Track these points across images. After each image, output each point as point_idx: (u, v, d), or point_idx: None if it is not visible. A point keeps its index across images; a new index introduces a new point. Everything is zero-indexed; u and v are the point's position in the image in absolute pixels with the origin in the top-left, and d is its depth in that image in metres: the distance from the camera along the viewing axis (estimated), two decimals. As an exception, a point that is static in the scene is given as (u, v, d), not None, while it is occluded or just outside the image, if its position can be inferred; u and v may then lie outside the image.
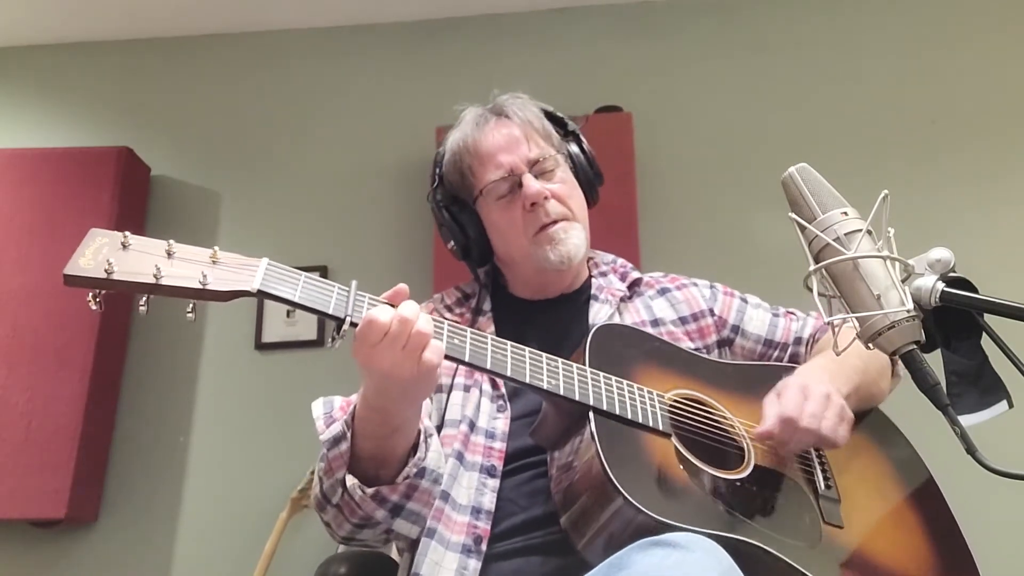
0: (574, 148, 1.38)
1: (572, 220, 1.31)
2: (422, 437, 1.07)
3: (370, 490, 1.04)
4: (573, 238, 1.30)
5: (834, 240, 0.87)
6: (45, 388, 2.57)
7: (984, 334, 0.99)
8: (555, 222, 1.29)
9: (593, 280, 1.40)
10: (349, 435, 1.04)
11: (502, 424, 1.20)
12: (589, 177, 1.38)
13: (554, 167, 1.31)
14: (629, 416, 1.06)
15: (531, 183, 1.27)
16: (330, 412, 1.15)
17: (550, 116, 1.38)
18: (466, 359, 1.01)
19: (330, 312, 0.94)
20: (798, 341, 1.38)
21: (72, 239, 0.90)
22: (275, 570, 2.35)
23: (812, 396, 1.10)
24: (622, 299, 1.36)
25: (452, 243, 1.36)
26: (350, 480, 1.05)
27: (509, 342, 1.06)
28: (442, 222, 1.36)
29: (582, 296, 1.37)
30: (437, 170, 1.37)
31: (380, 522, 1.08)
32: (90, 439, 2.58)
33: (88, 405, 2.57)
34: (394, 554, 1.45)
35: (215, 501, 2.67)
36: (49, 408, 2.55)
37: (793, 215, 0.91)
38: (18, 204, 2.79)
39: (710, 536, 0.88)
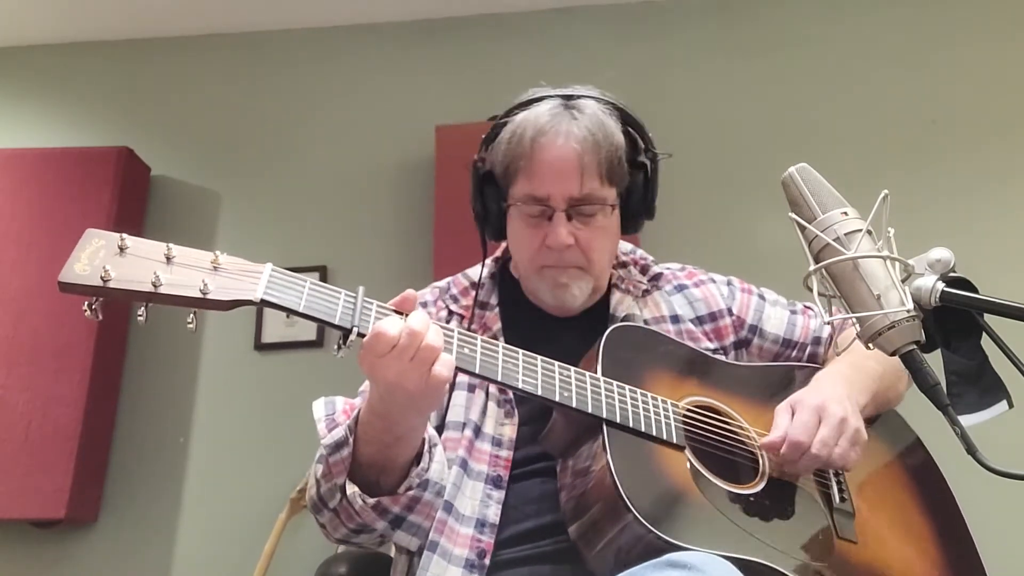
0: (639, 178, 1.24)
1: (585, 271, 1.23)
2: (426, 447, 1.05)
3: (371, 500, 1.02)
4: (575, 289, 1.23)
5: (834, 240, 0.87)
6: (45, 388, 2.57)
7: (984, 334, 0.99)
8: (566, 267, 1.22)
9: (613, 271, 1.35)
10: (351, 441, 1.02)
11: (509, 431, 1.16)
12: (637, 213, 1.27)
13: (595, 212, 1.20)
14: (643, 429, 1.05)
15: (557, 231, 1.18)
16: (332, 415, 1.13)
17: (632, 131, 1.24)
18: (476, 371, 0.99)
19: (336, 323, 0.92)
20: (816, 340, 1.35)
21: (72, 239, 0.87)
22: (275, 570, 2.34)
23: (827, 420, 1.08)
24: (643, 293, 1.33)
25: (475, 214, 1.30)
26: (350, 488, 1.02)
27: (520, 351, 1.04)
28: (472, 191, 1.29)
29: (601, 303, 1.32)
30: (491, 137, 1.26)
31: (379, 532, 1.06)
32: (90, 439, 2.59)
33: (88, 405, 2.57)
34: (394, 553, 1.44)
35: (215, 501, 2.67)
36: (49, 408, 2.55)
37: (793, 215, 0.91)
38: (18, 204, 2.79)
39: (722, 557, 0.87)
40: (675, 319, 1.30)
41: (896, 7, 3.00)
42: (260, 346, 2.79)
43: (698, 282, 1.37)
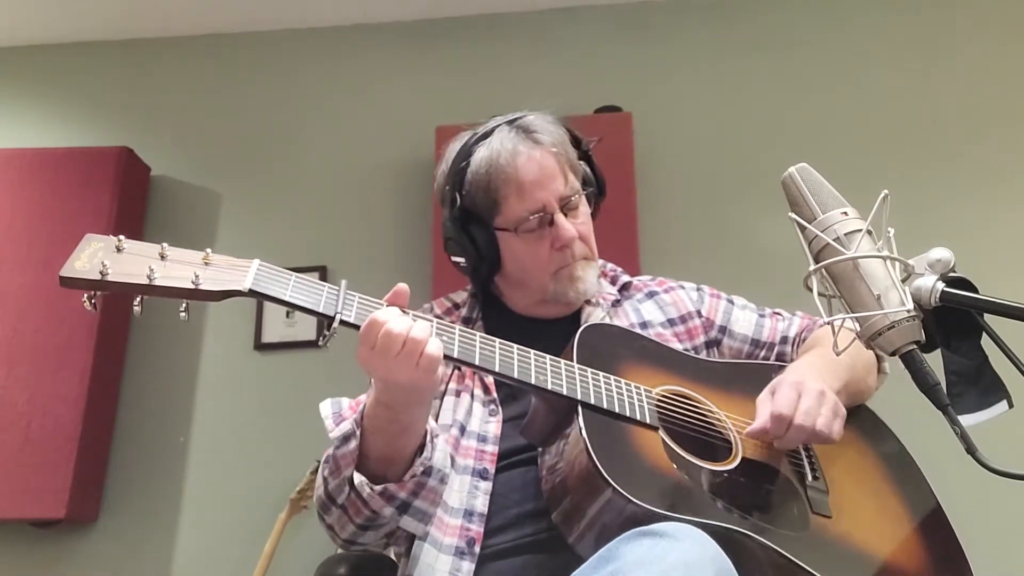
0: (587, 169, 1.36)
1: (590, 259, 1.32)
2: (429, 437, 1.09)
3: (378, 487, 1.06)
4: (590, 276, 1.31)
5: (834, 240, 0.87)
6: (45, 388, 2.57)
7: (984, 334, 0.99)
8: (577, 261, 1.30)
9: None
10: (359, 433, 1.05)
11: (494, 428, 1.21)
12: (597, 198, 1.38)
13: (578, 203, 1.30)
14: (616, 410, 1.07)
15: (566, 225, 1.26)
16: (339, 412, 1.17)
17: (567, 130, 1.35)
18: (455, 355, 1.02)
19: (320, 310, 0.97)
20: (784, 340, 1.40)
21: (72, 239, 0.92)
22: (275, 570, 2.35)
23: (806, 393, 1.11)
24: (613, 303, 1.38)
25: (463, 260, 1.33)
26: (358, 478, 1.06)
27: (498, 340, 1.07)
28: (453, 237, 1.32)
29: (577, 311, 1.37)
30: (457, 184, 1.30)
31: (387, 520, 1.09)
32: (90, 439, 2.59)
33: (88, 405, 2.57)
34: (393, 555, 1.45)
35: (215, 501, 2.67)
36: (49, 408, 2.55)
37: (793, 215, 0.91)
38: (18, 204, 2.79)
39: (699, 525, 0.89)
40: (644, 324, 1.35)
41: (896, 8, 3.00)
42: (260, 346, 2.78)
43: (668, 288, 1.43)
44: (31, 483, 2.48)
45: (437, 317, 1.34)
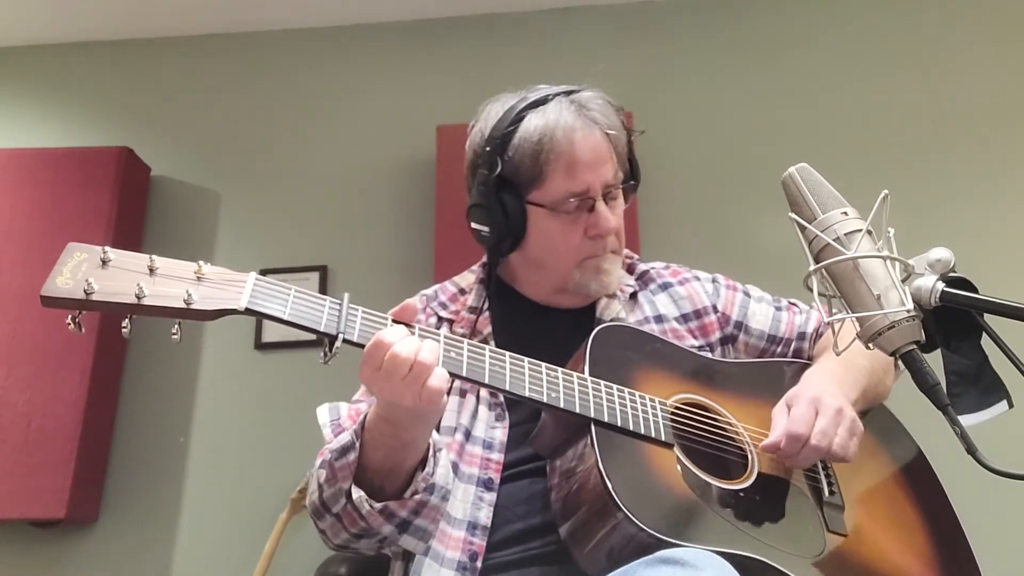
0: (629, 161, 1.30)
1: (618, 254, 1.28)
2: (431, 451, 1.05)
3: (378, 505, 1.02)
4: (615, 273, 1.27)
5: (834, 240, 0.87)
6: (45, 388, 2.57)
7: (984, 334, 0.99)
8: (606, 254, 1.25)
9: None
10: (358, 445, 1.02)
11: (500, 434, 1.17)
12: (629, 189, 1.31)
13: (618, 194, 1.26)
14: (631, 427, 1.05)
15: (606, 215, 1.22)
16: (337, 420, 1.13)
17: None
18: (464, 374, 1.00)
19: (321, 330, 0.93)
20: (801, 336, 1.36)
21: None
22: (275, 570, 2.34)
23: (824, 411, 1.09)
24: (631, 296, 1.33)
25: (487, 230, 1.24)
26: (356, 492, 1.02)
27: (508, 354, 1.04)
28: (482, 203, 1.23)
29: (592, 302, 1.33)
30: (499, 148, 1.22)
31: (385, 536, 1.05)
32: (90, 439, 2.58)
33: (88, 405, 2.57)
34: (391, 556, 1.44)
35: (215, 501, 2.67)
36: (49, 408, 2.55)
37: (793, 215, 0.91)
38: (18, 204, 2.78)
39: (714, 552, 0.88)
40: (659, 319, 1.31)
41: (896, 8, 3.00)
42: (260, 346, 2.78)
43: (683, 280, 1.38)
44: (31, 483, 2.47)
45: (441, 304, 1.31)
